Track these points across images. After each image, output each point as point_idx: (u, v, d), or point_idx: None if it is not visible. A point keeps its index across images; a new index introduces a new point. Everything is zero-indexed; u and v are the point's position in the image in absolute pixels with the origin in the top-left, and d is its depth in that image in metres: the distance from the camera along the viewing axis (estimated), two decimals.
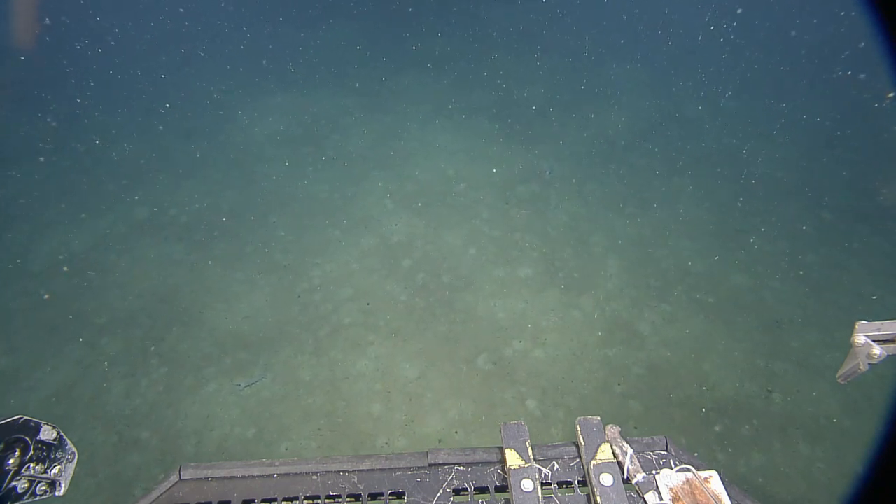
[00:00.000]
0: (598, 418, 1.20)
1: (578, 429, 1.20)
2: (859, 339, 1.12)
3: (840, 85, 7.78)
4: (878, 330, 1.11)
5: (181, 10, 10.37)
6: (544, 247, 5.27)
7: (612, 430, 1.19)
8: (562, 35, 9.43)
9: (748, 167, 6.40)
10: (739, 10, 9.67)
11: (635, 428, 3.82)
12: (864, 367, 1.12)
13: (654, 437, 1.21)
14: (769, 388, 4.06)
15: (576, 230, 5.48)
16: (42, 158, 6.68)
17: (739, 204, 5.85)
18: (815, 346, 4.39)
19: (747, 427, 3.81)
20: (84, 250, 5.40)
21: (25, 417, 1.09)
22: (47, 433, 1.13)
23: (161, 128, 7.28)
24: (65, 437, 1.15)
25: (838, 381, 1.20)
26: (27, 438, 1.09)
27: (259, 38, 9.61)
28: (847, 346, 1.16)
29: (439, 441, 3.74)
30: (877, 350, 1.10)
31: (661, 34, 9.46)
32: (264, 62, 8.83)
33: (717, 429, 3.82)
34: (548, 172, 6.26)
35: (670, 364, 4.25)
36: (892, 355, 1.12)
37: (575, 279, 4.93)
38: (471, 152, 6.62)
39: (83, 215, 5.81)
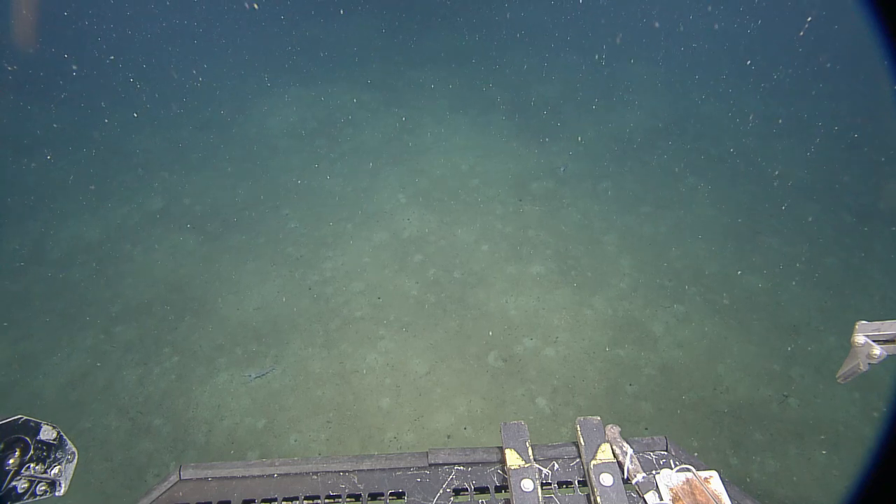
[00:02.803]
0: (598, 418, 1.19)
1: (578, 429, 1.19)
2: (859, 339, 1.11)
3: (864, 86, 7.59)
4: (878, 330, 1.10)
5: (196, 4, 10.43)
6: (557, 244, 5.22)
7: (612, 430, 1.18)
8: (578, 34, 9.32)
9: (767, 167, 6.27)
10: (759, 21, 9.48)
11: (646, 429, 3.77)
12: (864, 367, 1.11)
13: (654, 437, 1.20)
14: (785, 393, 3.98)
15: (589, 228, 5.41)
16: (60, 149, 6.77)
17: (757, 205, 5.73)
18: (833, 350, 4.30)
19: (762, 432, 3.74)
20: (99, 239, 5.46)
21: (25, 417, 1.08)
22: (47, 433, 1.12)
23: (176, 120, 7.34)
24: (65, 437, 1.15)
25: (838, 380, 1.19)
26: (27, 438, 1.08)
27: (274, 31, 9.63)
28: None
29: (448, 437, 3.73)
30: (877, 350, 1.09)
31: (680, 34, 9.30)
32: (279, 55, 8.85)
33: (730, 433, 3.75)
34: (562, 170, 6.20)
35: (683, 365, 4.18)
36: (892, 355, 1.10)
37: (588, 278, 4.87)
38: (485, 148, 6.58)
39: (99, 205, 5.88)
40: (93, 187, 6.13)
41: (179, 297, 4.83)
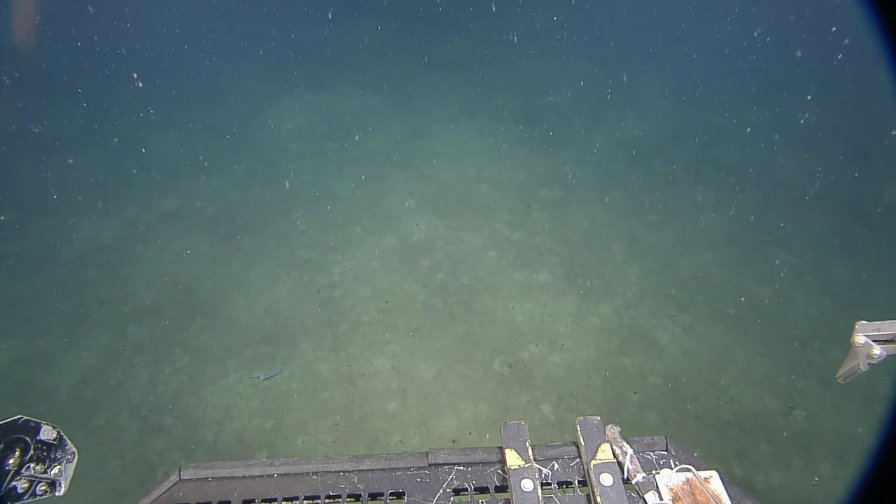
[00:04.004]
0: (598, 418, 1.19)
1: (578, 429, 1.19)
2: (859, 339, 1.11)
3: (876, 97, 7.56)
4: (878, 330, 1.10)
5: (206, 7, 10.57)
6: (564, 252, 5.25)
7: (612, 430, 1.18)
8: (589, 42, 9.36)
9: (776, 177, 6.27)
10: (769, 36, 9.47)
11: None
12: (864, 367, 1.11)
13: (654, 437, 1.19)
14: (791, 405, 3.99)
15: (597, 236, 5.44)
16: (76, 150, 6.89)
17: (765, 214, 5.74)
18: (840, 363, 4.26)
19: (767, 443, 3.74)
20: (113, 239, 5.56)
21: (25, 417, 1.08)
22: (47, 433, 1.12)
23: (189, 122, 7.44)
24: (65, 437, 1.15)
25: (838, 380, 1.19)
26: (27, 438, 1.08)
27: (286, 35, 9.75)
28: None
29: (453, 441, 3.77)
30: (877, 350, 1.09)
31: (690, 44, 9.31)
32: (291, 59, 8.96)
33: (735, 443, 3.76)
34: (570, 177, 6.23)
35: (688, 375, 4.20)
36: (892, 355, 1.10)
37: (594, 285, 4.90)
38: (494, 154, 6.62)
39: (113, 206, 5.98)
40: (107, 187, 6.23)
41: (190, 298, 4.90)
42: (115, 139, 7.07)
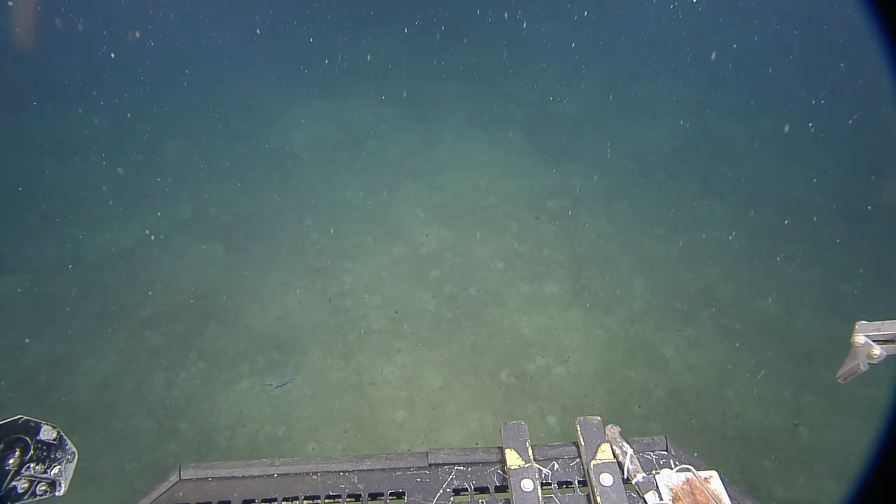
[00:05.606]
0: (599, 418, 1.19)
1: (578, 429, 1.18)
2: (859, 339, 1.12)
3: (890, 111, 7.55)
4: (878, 330, 1.11)
5: (222, 17, 10.78)
6: (571, 264, 5.31)
7: (612, 430, 1.18)
8: (599, 52, 9.43)
9: (785, 192, 6.29)
10: (779, 45, 9.47)
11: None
12: (864, 367, 1.12)
13: (655, 437, 1.19)
14: (795, 421, 4.01)
15: (604, 249, 5.50)
16: (96, 158, 7.08)
17: (773, 229, 5.76)
18: None
19: (771, 459, 3.78)
20: (132, 245, 5.72)
21: (25, 417, 1.09)
22: (47, 433, 1.12)
23: (204, 131, 7.62)
24: (65, 437, 1.15)
25: (838, 381, 1.19)
26: (27, 438, 1.08)
27: (300, 45, 9.92)
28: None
29: None
30: (877, 350, 1.09)
31: (699, 55, 9.34)
32: (304, 69, 9.12)
33: (738, 459, 3.80)
34: (578, 189, 6.30)
35: (693, 389, 4.24)
36: (892, 355, 1.11)
37: (600, 298, 4.96)
38: (503, 165, 6.71)
39: (131, 212, 6.14)
40: (126, 194, 6.40)
41: (205, 305, 5.03)
42: (133, 146, 7.26)
